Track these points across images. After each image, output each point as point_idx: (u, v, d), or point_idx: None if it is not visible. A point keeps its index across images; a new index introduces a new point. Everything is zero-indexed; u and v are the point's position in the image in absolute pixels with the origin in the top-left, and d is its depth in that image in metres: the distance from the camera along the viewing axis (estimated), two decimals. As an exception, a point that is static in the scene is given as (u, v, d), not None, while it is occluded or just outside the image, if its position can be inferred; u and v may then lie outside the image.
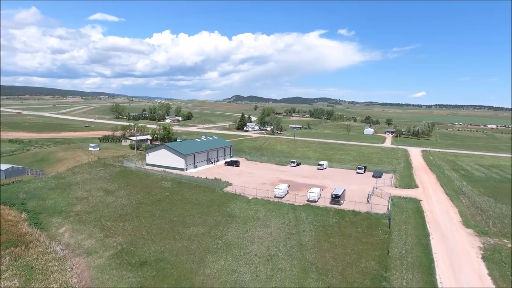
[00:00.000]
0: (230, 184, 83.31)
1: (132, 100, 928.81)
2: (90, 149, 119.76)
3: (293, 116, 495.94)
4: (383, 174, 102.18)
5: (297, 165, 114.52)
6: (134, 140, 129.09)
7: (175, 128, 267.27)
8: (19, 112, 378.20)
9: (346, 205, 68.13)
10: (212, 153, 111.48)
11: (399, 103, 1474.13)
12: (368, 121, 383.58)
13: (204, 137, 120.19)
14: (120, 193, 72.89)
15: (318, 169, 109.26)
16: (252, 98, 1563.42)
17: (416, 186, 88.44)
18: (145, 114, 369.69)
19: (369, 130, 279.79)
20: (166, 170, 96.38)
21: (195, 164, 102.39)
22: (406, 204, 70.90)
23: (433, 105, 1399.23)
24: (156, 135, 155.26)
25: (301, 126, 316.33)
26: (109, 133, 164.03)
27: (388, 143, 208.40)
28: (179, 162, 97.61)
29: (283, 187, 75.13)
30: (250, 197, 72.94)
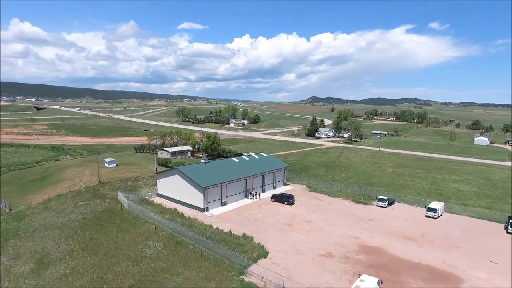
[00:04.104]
0: (265, 255, 45.19)
1: (211, 103, 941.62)
2: (106, 165, 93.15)
3: (375, 119, 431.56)
4: None
5: (389, 204, 70.99)
6: (156, 153, 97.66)
7: (237, 133, 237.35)
8: (109, 115, 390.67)
9: None
10: (254, 181, 73.90)
11: (504, 104, 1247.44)
12: (477, 126, 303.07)
13: (245, 153, 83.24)
14: (56, 270, 40.21)
15: (427, 216, 64.45)
16: (329, 100, 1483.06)
17: None
18: (211, 116, 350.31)
19: (482, 140, 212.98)
20: (179, 207, 62.74)
21: (223, 200, 66.26)
22: None
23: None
24: (198, 146, 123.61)
25: (386, 132, 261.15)
26: (147, 141, 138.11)
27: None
28: (195, 197, 62.59)
29: (370, 286, 34.27)
30: (293, 305, 34.21)
